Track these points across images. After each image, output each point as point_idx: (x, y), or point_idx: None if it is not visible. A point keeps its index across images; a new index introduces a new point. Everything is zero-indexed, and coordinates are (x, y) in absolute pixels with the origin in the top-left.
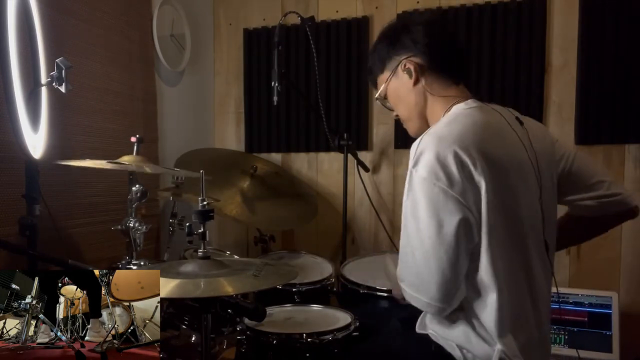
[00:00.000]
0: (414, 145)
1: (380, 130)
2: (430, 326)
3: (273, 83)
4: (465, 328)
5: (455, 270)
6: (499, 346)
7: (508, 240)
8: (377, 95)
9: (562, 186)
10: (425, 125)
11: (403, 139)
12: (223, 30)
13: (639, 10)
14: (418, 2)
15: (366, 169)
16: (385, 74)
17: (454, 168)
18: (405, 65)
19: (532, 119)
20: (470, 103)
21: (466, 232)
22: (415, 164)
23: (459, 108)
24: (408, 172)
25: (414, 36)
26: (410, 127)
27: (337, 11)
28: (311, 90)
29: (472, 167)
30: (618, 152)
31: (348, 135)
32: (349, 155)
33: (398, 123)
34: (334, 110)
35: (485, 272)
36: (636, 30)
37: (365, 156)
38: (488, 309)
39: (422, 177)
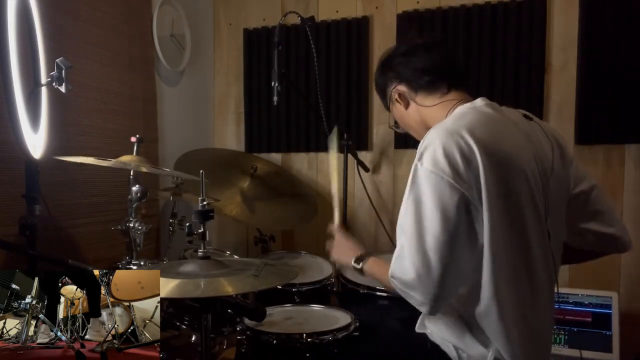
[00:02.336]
0: (422, 140)
1: (380, 130)
2: (428, 325)
3: (273, 83)
4: (462, 328)
5: (453, 266)
6: (494, 347)
7: (511, 236)
8: (390, 126)
9: (570, 207)
10: None
11: (403, 139)
12: (223, 30)
13: (639, 10)
14: (418, 2)
15: (366, 169)
16: (389, 103)
17: (459, 160)
18: (394, 96)
19: (545, 123)
20: (478, 102)
21: (470, 228)
22: (420, 157)
23: (466, 107)
24: (412, 167)
25: (394, 68)
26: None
27: (337, 11)
28: (311, 90)
29: (477, 159)
30: (618, 152)
31: (348, 135)
32: (349, 155)
33: None
34: (334, 110)
35: (486, 270)
36: (636, 30)
37: (365, 156)
38: (487, 308)
39: (428, 170)
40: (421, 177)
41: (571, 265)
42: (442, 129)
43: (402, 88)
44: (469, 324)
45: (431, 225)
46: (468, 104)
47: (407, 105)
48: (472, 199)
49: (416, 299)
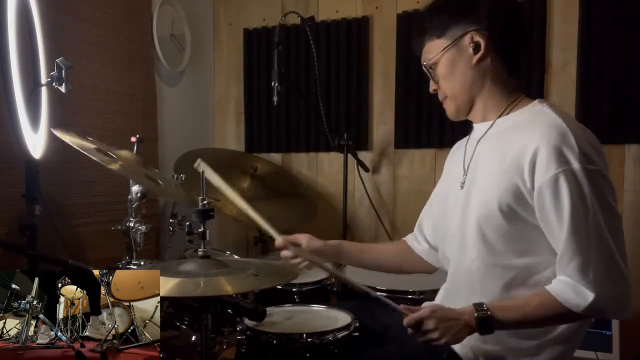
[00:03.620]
0: (542, 147)
1: (380, 130)
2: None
3: (273, 83)
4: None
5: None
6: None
7: None
8: (426, 61)
9: None
10: (468, 108)
11: (403, 139)
12: (223, 30)
13: (639, 10)
14: (418, 2)
15: (366, 169)
16: (443, 41)
17: (595, 153)
18: (473, 38)
19: None
20: (544, 101)
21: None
22: (566, 162)
23: (545, 106)
24: (556, 176)
25: (492, 7)
26: (453, 105)
27: (337, 11)
28: (311, 90)
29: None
30: (618, 152)
31: (348, 135)
32: (349, 155)
33: (398, 123)
34: (334, 110)
35: None
36: (636, 30)
37: (365, 156)
38: None
39: (591, 169)
40: (583, 177)
41: None
42: (575, 130)
43: (490, 36)
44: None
45: (619, 223)
46: (546, 103)
47: (480, 59)
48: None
49: (622, 313)
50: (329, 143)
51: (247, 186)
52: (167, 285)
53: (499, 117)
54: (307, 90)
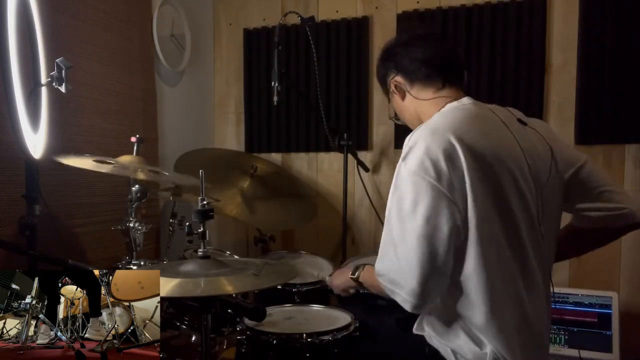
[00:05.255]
0: (406, 140)
1: (380, 130)
2: (427, 328)
3: (273, 83)
4: (457, 330)
5: (435, 266)
6: (490, 348)
7: (499, 235)
8: (390, 116)
9: (570, 192)
10: None
11: (403, 139)
12: (223, 30)
13: (639, 10)
14: (418, 2)
15: (366, 169)
16: (387, 89)
17: (442, 162)
18: (392, 86)
19: (539, 121)
20: (464, 100)
21: (452, 227)
22: (405, 157)
23: (452, 105)
24: (397, 166)
25: (394, 58)
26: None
27: (337, 11)
28: (311, 90)
29: (461, 159)
30: (618, 152)
31: (348, 135)
32: (349, 155)
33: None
34: (334, 110)
35: (473, 269)
36: (636, 30)
37: (365, 156)
38: (477, 308)
39: (411, 170)
40: (404, 178)
41: (571, 265)
42: (427, 129)
43: (399, 79)
44: (463, 324)
45: (411, 226)
46: (455, 102)
47: (403, 97)
48: (454, 200)
49: (401, 296)
50: (329, 143)
51: (247, 186)
52: (168, 285)
53: None
54: (307, 90)
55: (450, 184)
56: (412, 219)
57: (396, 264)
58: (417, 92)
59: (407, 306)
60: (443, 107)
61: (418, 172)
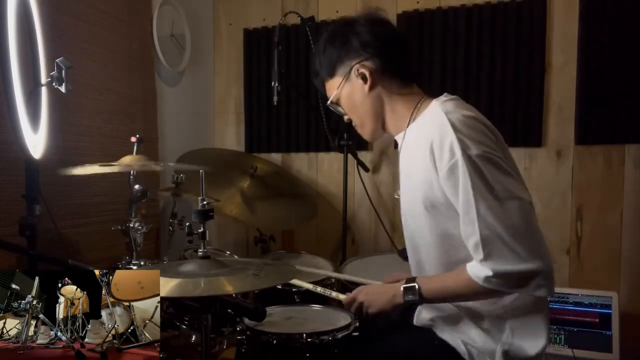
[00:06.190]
0: (434, 141)
1: None
2: (436, 321)
3: (273, 83)
4: (468, 323)
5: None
6: (502, 341)
7: None
8: (329, 101)
9: None
10: (381, 127)
11: None
12: (223, 30)
13: (639, 10)
14: (418, 2)
15: (366, 169)
16: (337, 80)
17: (491, 141)
18: (358, 71)
19: None
20: (449, 96)
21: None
22: (462, 150)
23: (439, 100)
24: (449, 166)
25: (362, 38)
26: (365, 131)
27: (337, 11)
28: (311, 90)
29: (497, 137)
30: (618, 152)
31: (348, 135)
32: (349, 155)
33: None
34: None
35: None
36: (636, 30)
37: (365, 156)
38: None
39: (477, 154)
40: (473, 164)
41: (571, 265)
42: (459, 118)
43: (371, 64)
44: (475, 318)
45: (512, 207)
46: (442, 97)
47: (371, 87)
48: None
49: (536, 283)
50: (329, 143)
51: (247, 186)
52: (167, 285)
53: (408, 125)
54: (307, 90)
55: (503, 155)
56: (499, 196)
57: (512, 254)
58: (388, 85)
59: (544, 291)
60: (419, 105)
61: (486, 154)
